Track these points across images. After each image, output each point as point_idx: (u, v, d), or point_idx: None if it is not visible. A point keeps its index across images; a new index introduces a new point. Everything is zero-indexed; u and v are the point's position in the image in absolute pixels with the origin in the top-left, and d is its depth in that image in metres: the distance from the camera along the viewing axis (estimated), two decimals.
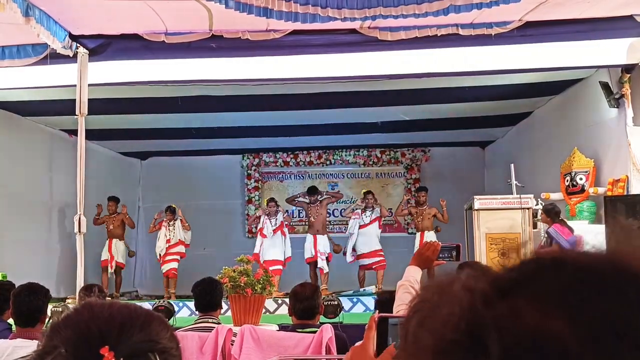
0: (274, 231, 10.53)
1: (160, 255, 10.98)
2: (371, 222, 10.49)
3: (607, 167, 8.81)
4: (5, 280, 6.34)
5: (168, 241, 10.98)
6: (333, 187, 13.95)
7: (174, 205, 11.13)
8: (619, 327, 0.49)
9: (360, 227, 10.50)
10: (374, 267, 10.37)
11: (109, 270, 10.95)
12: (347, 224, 10.94)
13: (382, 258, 10.41)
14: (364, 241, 10.44)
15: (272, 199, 11.13)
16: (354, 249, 10.49)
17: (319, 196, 10.88)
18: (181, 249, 11.08)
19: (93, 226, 10.55)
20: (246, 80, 8.74)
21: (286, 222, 11.02)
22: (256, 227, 11.01)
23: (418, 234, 10.45)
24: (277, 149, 14.02)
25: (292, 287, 4.39)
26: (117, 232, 11.21)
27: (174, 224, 10.99)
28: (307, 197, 10.92)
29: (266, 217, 10.66)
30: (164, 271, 10.94)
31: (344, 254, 10.64)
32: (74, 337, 0.94)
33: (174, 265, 10.93)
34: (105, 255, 11.03)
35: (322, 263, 10.39)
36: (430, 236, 10.16)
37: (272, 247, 10.49)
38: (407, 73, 8.43)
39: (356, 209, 10.87)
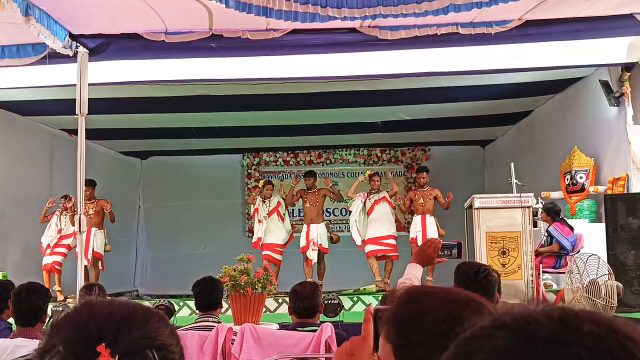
0: (269, 214, 10.21)
1: (49, 244, 9.84)
2: (376, 202, 9.86)
3: (607, 165, 8.82)
4: (5, 279, 6.35)
5: (59, 231, 9.93)
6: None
7: (70, 195, 9.93)
8: None
9: (368, 212, 9.91)
10: (386, 254, 9.69)
11: (86, 263, 9.53)
12: (348, 221, 10.45)
13: (393, 247, 9.71)
14: (373, 226, 9.79)
15: (268, 182, 10.81)
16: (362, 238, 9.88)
17: (316, 182, 10.43)
18: (70, 241, 9.81)
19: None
20: (246, 79, 8.75)
21: (283, 197, 10.47)
22: (253, 211, 10.61)
23: (419, 217, 9.80)
24: (278, 149, 14.02)
25: (292, 286, 4.39)
26: (94, 220, 9.91)
27: (67, 214, 9.91)
28: (304, 180, 10.46)
29: (261, 200, 10.35)
30: (44, 263, 9.74)
31: (357, 239, 9.94)
32: (72, 335, 0.95)
33: (59, 258, 9.82)
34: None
35: (311, 253, 9.85)
36: (432, 221, 9.70)
37: (269, 230, 10.15)
38: (407, 72, 8.44)
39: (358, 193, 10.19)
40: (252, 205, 10.76)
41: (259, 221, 10.29)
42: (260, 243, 10.13)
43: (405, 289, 1.19)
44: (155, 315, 1.01)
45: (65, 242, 9.87)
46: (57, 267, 9.80)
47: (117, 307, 0.99)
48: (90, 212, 9.91)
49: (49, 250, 9.87)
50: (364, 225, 9.96)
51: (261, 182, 11.00)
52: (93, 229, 9.91)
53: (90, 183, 9.90)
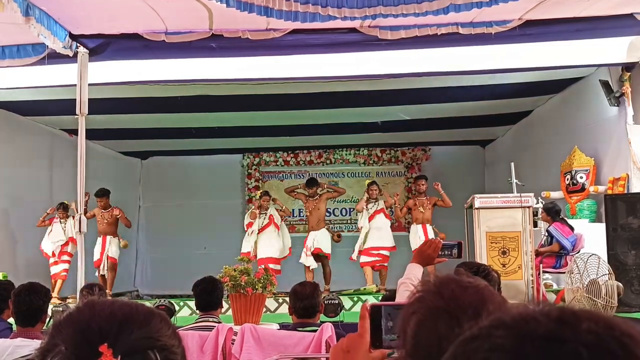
0: (265, 226, 10.08)
1: (53, 252, 9.92)
2: (376, 212, 9.85)
3: (608, 165, 8.82)
4: (5, 279, 6.35)
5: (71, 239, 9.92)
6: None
7: (66, 202, 9.97)
8: None
9: (368, 220, 9.85)
10: (375, 265, 9.75)
11: (101, 270, 10.07)
12: (350, 221, 10.35)
13: (384, 258, 9.74)
14: (371, 236, 9.79)
15: (265, 192, 10.70)
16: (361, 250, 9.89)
17: (319, 189, 10.33)
18: (72, 248, 9.78)
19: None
20: (246, 79, 8.76)
21: (280, 208, 10.40)
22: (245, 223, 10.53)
23: (419, 227, 9.83)
24: (278, 148, 14.02)
25: (292, 286, 4.40)
26: (109, 229, 10.28)
27: (66, 221, 9.98)
28: (306, 189, 10.38)
29: (257, 212, 10.22)
30: (56, 271, 9.84)
31: (355, 252, 9.95)
32: (74, 334, 0.95)
33: (67, 266, 9.88)
34: (97, 255, 10.10)
35: (305, 259, 9.85)
36: (431, 230, 9.72)
37: (264, 243, 10.05)
38: (407, 72, 8.44)
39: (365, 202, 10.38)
40: (247, 218, 10.56)
41: (250, 234, 10.19)
42: (257, 257, 9.91)
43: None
44: (158, 316, 1.00)
45: (65, 249, 9.95)
46: (64, 274, 9.87)
47: (119, 307, 0.99)
48: (105, 221, 10.23)
49: (53, 259, 9.94)
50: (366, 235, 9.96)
51: (258, 192, 10.98)
52: (108, 237, 10.18)
53: (104, 193, 10.25)
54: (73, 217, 9.51)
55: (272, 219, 10.19)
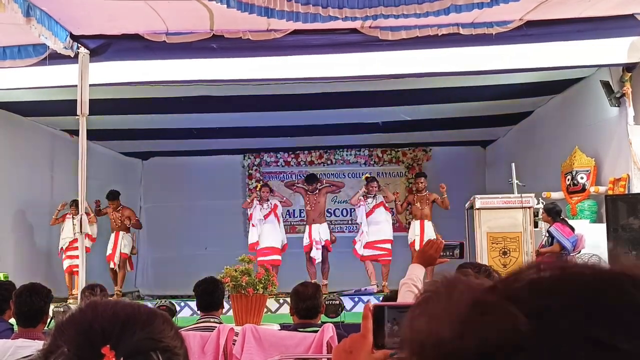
0: (265, 216, 10.19)
1: (62, 248, 10.10)
2: (375, 207, 9.97)
3: (608, 166, 8.81)
4: (6, 280, 6.36)
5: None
6: None
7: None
8: None
9: (366, 215, 9.95)
10: (379, 259, 9.82)
11: (114, 266, 10.36)
12: (351, 221, 10.47)
13: (387, 252, 9.82)
14: (371, 230, 9.89)
15: (265, 185, 10.86)
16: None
17: (318, 184, 10.43)
18: (87, 242, 9.67)
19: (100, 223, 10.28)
20: (247, 80, 8.75)
21: (281, 200, 10.52)
22: (249, 213, 10.66)
23: (417, 222, 9.95)
24: (278, 149, 14.02)
25: (293, 287, 4.40)
26: (122, 226, 10.69)
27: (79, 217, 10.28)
28: (305, 185, 10.50)
29: (258, 202, 10.33)
30: (66, 267, 9.98)
31: (358, 245, 10.03)
32: (77, 336, 0.95)
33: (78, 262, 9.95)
34: (109, 250, 10.48)
35: (315, 252, 9.95)
36: (429, 226, 9.79)
37: (267, 233, 10.14)
38: (407, 73, 8.43)
39: (361, 196, 10.47)
40: (248, 210, 10.72)
41: (253, 225, 10.30)
42: (257, 247, 10.06)
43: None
44: (160, 317, 1.00)
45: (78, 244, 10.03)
46: (76, 269, 9.84)
47: (121, 308, 0.99)
48: (116, 221, 10.62)
49: (64, 255, 10.10)
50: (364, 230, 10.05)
51: (258, 185, 11.06)
52: (121, 233, 10.56)
53: (115, 196, 10.66)
54: (87, 213, 9.77)
55: (275, 208, 10.27)
